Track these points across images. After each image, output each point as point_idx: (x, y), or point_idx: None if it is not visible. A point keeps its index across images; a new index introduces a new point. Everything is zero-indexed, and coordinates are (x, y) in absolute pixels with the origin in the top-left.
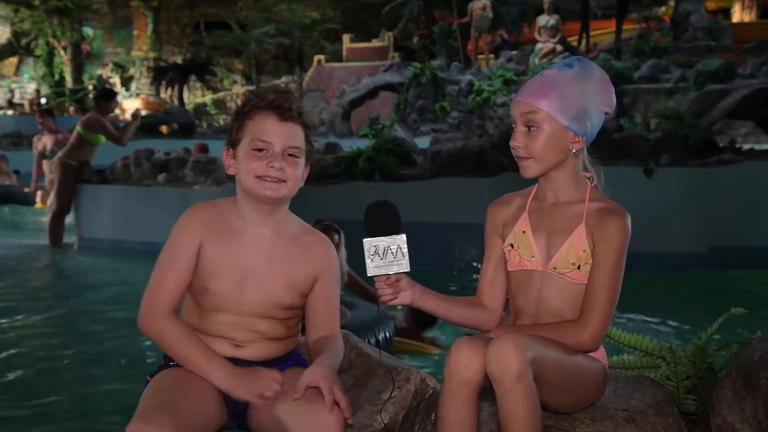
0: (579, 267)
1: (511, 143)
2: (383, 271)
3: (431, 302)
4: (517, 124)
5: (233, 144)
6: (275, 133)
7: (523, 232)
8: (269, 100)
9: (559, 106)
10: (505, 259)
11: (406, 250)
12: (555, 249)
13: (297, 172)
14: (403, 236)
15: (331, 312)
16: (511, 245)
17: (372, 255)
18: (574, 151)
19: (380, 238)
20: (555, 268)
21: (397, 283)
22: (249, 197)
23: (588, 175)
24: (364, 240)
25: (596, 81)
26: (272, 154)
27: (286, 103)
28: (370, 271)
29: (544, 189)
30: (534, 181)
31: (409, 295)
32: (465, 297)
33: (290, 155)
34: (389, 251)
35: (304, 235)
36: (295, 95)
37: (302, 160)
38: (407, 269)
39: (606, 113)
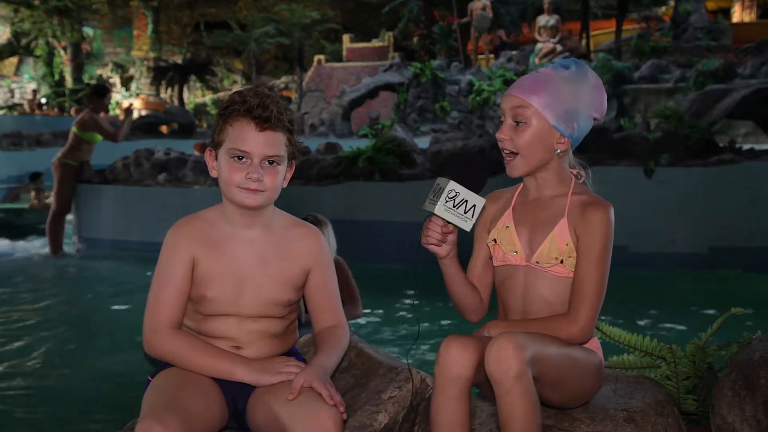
0: (562, 261)
1: (498, 135)
2: (447, 218)
3: (454, 268)
4: (505, 117)
5: (215, 145)
6: (254, 143)
7: (506, 227)
8: (249, 107)
9: (548, 104)
10: (491, 254)
11: (478, 213)
12: (537, 243)
13: (276, 181)
14: (484, 201)
15: (331, 301)
16: (494, 240)
17: (448, 198)
18: (558, 151)
19: (465, 189)
20: (538, 263)
21: (447, 234)
22: (233, 203)
23: (574, 171)
24: (450, 180)
25: (589, 85)
26: (251, 164)
27: (265, 112)
28: (437, 210)
29: (528, 185)
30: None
31: (446, 250)
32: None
33: (270, 163)
34: (465, 204)
35: (292, 229)
36: (278, 97)
37: (283, 166)
38: (467, 230)
39: (595, 119)
